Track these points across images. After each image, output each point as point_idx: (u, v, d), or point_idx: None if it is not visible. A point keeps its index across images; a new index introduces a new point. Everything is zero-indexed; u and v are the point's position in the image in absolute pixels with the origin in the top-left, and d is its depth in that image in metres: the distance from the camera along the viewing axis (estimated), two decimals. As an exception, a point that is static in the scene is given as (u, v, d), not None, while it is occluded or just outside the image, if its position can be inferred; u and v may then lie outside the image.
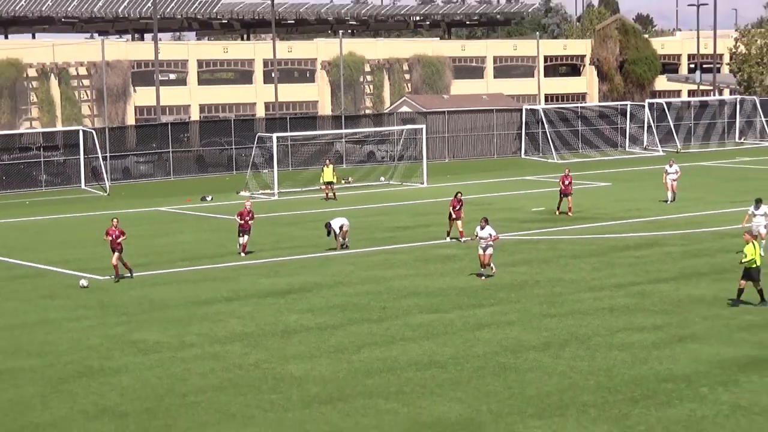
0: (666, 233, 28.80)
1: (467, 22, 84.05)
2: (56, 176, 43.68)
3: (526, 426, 9.52)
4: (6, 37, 69.27)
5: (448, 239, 26.91)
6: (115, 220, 22.01)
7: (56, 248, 29.01)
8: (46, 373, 13.34)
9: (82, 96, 62.76)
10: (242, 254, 24.49)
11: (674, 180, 32.68)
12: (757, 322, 15.87)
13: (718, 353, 13.24)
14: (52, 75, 60.88)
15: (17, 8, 65.45)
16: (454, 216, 26.02)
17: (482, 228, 20.92)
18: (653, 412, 9.97)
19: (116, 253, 21.04)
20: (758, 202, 24.15)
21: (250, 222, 25.03)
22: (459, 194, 26.48)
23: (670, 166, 33.07)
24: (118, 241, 21.11)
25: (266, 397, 11.46)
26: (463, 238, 25.72)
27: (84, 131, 43.50)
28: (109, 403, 11.37)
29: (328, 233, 25.47)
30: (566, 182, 32.55)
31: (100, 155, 42.06)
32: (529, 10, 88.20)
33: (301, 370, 13.07)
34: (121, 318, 18.29)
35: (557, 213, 32.19)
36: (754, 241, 18.51)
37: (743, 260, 17.76)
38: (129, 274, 21.67)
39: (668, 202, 32.08)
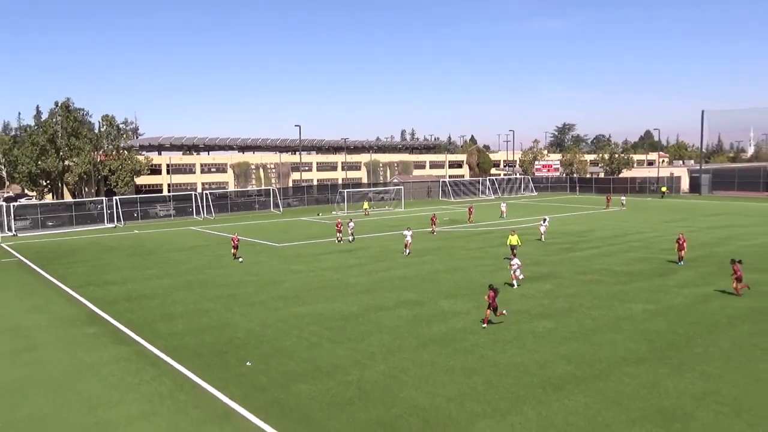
0: (498, 228, 53.03)
1: (418, 147, 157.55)
2: (262, 206, 74.24)
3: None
4: (243, 152, 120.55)
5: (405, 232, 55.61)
6: (236, 233, 39.30)
7: (269, 234, 57.93)
8: (257, 282, 30.32)
9: (271, 176, 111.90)
10: (338, 241, 43.32)
11: (544, 227, 42.42)
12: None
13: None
14: (261, 168, 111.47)
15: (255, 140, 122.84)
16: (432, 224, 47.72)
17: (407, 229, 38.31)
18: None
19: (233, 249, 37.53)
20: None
21: (341, 226, 44.20)
22: (434, 215, 49.73)
23: (544, 221, 42.93)
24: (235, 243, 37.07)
25: (340, 291, 27.83)
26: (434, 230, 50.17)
27: (272, 189, 76.62)
28: (283, 292, 28.03)
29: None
30: (471, 209, 57.68)
31: (279, 198, 74.88)
32: (441, 142, 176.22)
33: (354, 280, 29.92)
34: (285, 260, 36.70)
35: (469, 221, 54.11)
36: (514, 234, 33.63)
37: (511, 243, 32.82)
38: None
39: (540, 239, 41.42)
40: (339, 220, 45.69)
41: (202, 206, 67.42)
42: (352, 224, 44.24)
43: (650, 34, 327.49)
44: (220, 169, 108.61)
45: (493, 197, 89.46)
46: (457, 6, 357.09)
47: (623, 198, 73.50)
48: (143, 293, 27.52)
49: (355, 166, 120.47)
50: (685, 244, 31.97)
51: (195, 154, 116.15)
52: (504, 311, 20.66)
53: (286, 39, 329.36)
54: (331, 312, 23.15)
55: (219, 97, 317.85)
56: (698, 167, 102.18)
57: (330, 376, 16.24)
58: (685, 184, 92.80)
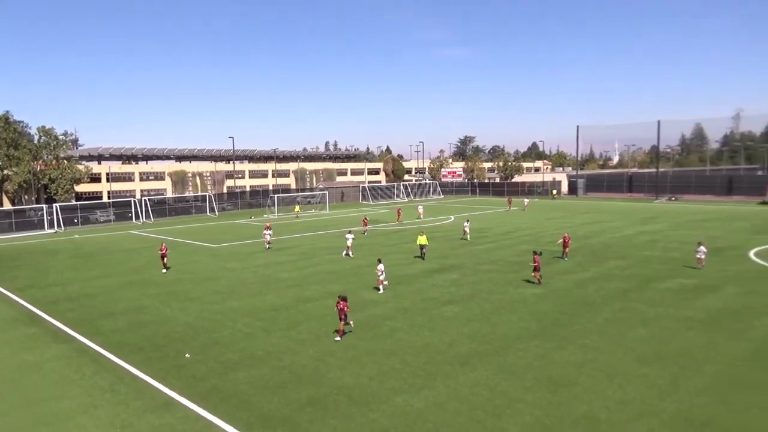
0: (414, 227, 54.37)
1: (341, 156, 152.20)
2: (199, 210, 71.28)
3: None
4: (180, 162, 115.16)
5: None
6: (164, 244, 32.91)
7: (205, 235, 54.69)
8: (194, 280, 29.08)
9: (207, 183, 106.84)
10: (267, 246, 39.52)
11: (468, 226, 41.41)
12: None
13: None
14: (197, 176, 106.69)
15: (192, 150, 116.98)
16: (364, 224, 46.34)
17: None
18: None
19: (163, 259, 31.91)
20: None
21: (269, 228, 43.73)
22: (365, 218, 48.34)
23: (467, 222, 42.22)
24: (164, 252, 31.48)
25: (271, 285, 27.26)
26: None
27: (208, 195, 73.09)
28: (219, 288, 27.11)
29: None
30: (399, 211, 58.12)
31: (214, 203, 71.10)
32: (360, 152, 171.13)
33: (284, 275, 29.01)
34: (220, 259, 35.35)
35: (397, 221, 53.61)
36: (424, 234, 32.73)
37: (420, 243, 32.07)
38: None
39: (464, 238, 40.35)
40: (268, 223, 43.53)
41: (141, 211, 64.24)
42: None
43: (536, 60, 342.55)
44: (159, 177, 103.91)
45: (406, 200, 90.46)
46: (376, 35, 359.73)
47: (526, 200, 73.54)
48: (85, 293, 25.80)
49: (284, 174, 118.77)
50: (569, 242, 32.07)
51: (134, 163, 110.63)
52: (351, 322, 18.33)
53: (221, 57, 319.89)
54: (264, 304, 22.59)
55: (157, 111, 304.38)
56: (575, 173, 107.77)
57: (264, 362, 15.83)
58: (564, 187, 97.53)
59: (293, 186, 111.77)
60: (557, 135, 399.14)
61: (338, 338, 17.49)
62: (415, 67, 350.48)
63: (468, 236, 40.50)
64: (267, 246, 38.06)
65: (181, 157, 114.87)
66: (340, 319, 17.68)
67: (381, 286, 24.46)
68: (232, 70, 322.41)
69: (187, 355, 16.50)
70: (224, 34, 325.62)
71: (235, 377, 14.71)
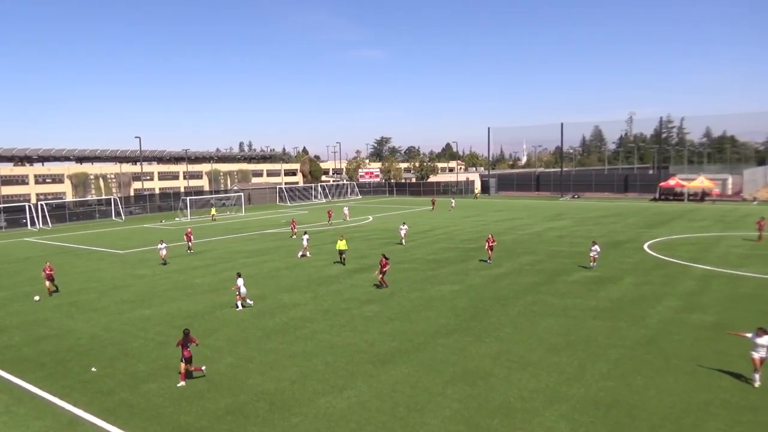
0: (336, 228, 52.61)
1: (256, 157, 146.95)
2: (103, 215, 66.94)
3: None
4: (81, 163, 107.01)
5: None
6: (48, 262, 26.55)
7: (111, 241, 50.67)
8: (99, 289, 27.28)
9: (112, 186, 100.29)
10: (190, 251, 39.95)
11: (404, 231, 38.82)
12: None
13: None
14: (100, 178, 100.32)
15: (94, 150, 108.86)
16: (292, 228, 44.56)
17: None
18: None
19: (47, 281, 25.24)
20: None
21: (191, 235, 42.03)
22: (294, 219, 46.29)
23: (403, 225, 39.44)
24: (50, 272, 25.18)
25: (185, 291, 26.23)
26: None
27: (113, 198, 68.73)
28: (128, 296, 25.66)
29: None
30: (330, 212, 56.18)
31: (120, 206, 67.93)
32: (276, 153, 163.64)
33: (199, 280, 28.05)
34: (129, 266, 33.13)
35: (328, 223, 52.02)
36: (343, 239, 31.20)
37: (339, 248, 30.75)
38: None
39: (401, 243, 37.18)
40: (189, 229, 40.77)
41: (37, 217, 59.36)
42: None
43: (449, 63, 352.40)
44: (57, 179, 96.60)
45: (324, 201, 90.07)
46: (291, 34, 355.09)
47: (453, 200, 72.81)
48: (-28, 308, 23.48)
49: (197, 175, 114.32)
50: (493, 244, 30.54)
51: (28, 165, 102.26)
52: (203, 367, 14.92)
53: (129, 50, 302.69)
54: (178, 312, 21.59)
55: (55, 109, 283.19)
56: (487, 173, 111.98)
57: (178, 371, 15.12)
58: (478, 186, 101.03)
59: (207, 188, 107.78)
60: (470, 136, 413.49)
61: (182, 383, 14.18)
62: (331, 68, 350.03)
63: (404, 241, 38.23)
64: (189, 251, 36.87)
65: (82, 158, 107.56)
66: (182, 360, 14.36)
67: (239, 303, 21.62)
68: (139, 67, 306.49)
69: (93, 369, 15.44)
70: (130, 27, 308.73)
71: (147, 389, 13.94)
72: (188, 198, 68.35)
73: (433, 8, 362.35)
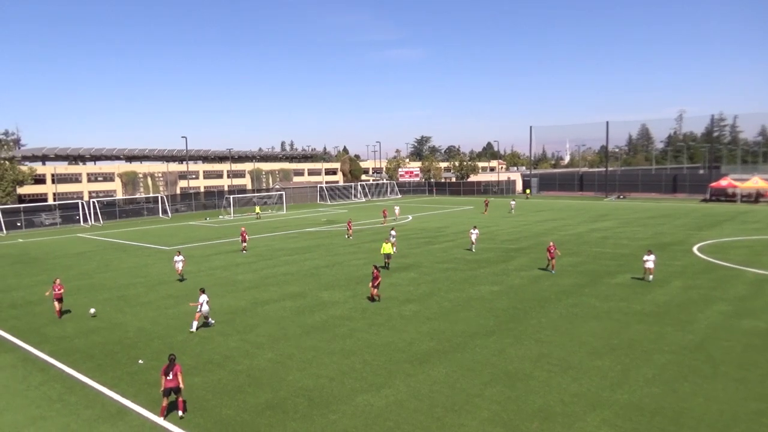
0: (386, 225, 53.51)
1: (297, 156, 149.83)
2: (151, 212, 70.24)
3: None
4: (130, 162, 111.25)
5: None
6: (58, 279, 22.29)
7: (158, 238, 54.46)
8: (146, 284, 28.26)
9: (159, 184, 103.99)
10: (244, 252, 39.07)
11: (475, 235, 35.43)
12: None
13: None
14: (148, 177, 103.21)
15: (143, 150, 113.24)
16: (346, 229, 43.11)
17: None
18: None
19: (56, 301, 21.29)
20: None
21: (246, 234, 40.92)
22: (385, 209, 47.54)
23: (474, 229, 36.26)
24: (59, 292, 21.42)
25: (228, 288, 26.61)
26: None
27: (161, 196, 71.62)
28: (173, 292, 26.40)
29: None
30: (385, 212, 57.59)
31: (167, 204, 70.75)
32: (317, 152, 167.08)
33: (241, 277, 28.59)
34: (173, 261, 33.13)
35: (383, 222, 56.10)
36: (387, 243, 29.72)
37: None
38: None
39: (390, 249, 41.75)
40: (243, 228, 39.64)
41: (90, 214, 61.89)
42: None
43: (490, 61, 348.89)
44: (108, 178, 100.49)
45: (364, 200, 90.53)
46: (331, 35, 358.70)
47: (513, 202, 66.00)
48: (29, 300, 24.62)
49: (240, 174, 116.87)
50: (555, 252, 27.79)
51: (81, 164, 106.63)
52: (181, 414, 12.41)
53: (175, 53, 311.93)
54: (220, 307, 22.12)
55: (106, 110, 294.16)
56: (529, 172, 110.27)
57: (221, 366, 15.50)
58: (519, 185, 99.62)
59: (249, 186, 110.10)
60: (511, 135, 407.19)
61: (161, 418, 12.32)
62: (370, 67, 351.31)
63: (474, 247, 34.66)
64: (243, 252, 36.00)
65: (131, 158, 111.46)
66: (163, 393, 12.46)
67: (196, 323, 19.11)
68: (186, 68, 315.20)
69: (140, 361, 16.00)
70: (178, 31, 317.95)
71: (191, 382, 14.34)
72: (231, 196, 69.94)
73: (472, 7, 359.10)
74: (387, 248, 29.29)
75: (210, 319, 19.57)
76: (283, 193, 77.10)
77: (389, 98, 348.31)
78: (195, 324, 19.12)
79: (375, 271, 22.29)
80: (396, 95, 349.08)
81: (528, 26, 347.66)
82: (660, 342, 16.62)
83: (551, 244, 28.23)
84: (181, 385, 12.50)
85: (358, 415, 12.26)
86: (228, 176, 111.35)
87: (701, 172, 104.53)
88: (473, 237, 34.92)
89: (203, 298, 19.28)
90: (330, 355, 16.10)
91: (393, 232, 36.59)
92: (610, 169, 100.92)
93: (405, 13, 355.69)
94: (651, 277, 24.86)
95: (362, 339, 17.57)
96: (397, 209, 59.81)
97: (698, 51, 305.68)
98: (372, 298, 22.37)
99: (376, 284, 22.07)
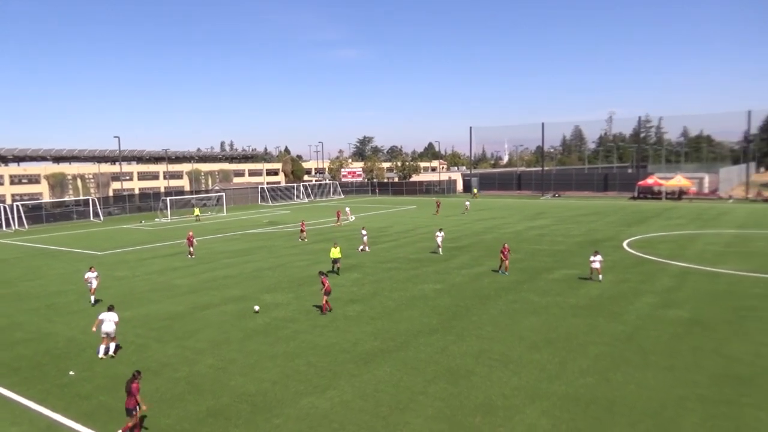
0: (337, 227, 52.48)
1: (237, 157, 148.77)
2: (81, 215, 65.60)
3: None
4: (58, 163, 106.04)
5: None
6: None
7: (89, 243, 51.61)
8: (77, 291, 26.59)
9: (90, 186, 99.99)
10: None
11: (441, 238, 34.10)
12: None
13: None
14: (78, 179, 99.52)
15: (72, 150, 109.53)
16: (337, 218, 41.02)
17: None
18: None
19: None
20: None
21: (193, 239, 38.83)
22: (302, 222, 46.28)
23: (439, 231, 34.79)
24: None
25: (165, 293, 25.64)
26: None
27: (92, 199, 67.43)
28: (106, 298, 25.15)
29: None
30: (339, 213, 56.09)
31: (99, 207, 66.23)
32: (258, 152, 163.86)
33: (179, 281, 27.73)
34: (108, 267, 32.00)
35: (338, 224, 54.28)
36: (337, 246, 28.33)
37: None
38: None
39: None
40: (191, 232, 36.69)
41: (13, 218, 58.26)
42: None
43: (431, 62, 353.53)
44: (33, 180, 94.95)
45: (306, 201, 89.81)
46: (271, 34, 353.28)
47: (467, 202, 66.13)
48: (-55, 312, 22.90)
49: (177, 175, 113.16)
50: (508, 254, 27.37)
51: (3, 165, 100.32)
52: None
53: (106, 50, 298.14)
54: (157, 313, 21.33)
55: (30, 108, 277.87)
56: (469, 172, 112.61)
57: (159, 374, 14.94)
58: (460, 185, 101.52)
59: (187, 188, 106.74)
60: (452, 135, 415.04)
61: None
62: (313, 67, 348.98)
63: (441, 249, 33.56)
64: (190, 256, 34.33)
65: (58, 158, 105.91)
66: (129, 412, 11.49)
67: (103, 347, 16.42)
68: (118, 65, 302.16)
69: (71, 373, 15.19)
70: (109, 26, 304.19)
71: (127, 392, 13.76)
72: (168, 198, 67.60)
73: (415, 8, 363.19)
74: (336, 252, 28.31)
75: (112, 347, 16.49)
76: (223, 194, 75.28)
77: (332, 98, 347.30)
78: (102, 348, 16.48)
79: (323, 278, 20.67)
80: (339, 95, 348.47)
81: (466, 29, 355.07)
82: (594, 334, 17.35)
83: (505, 245, 27.82)
84: (137, 407, 11.44)
85: (303, 418, 12.12)
86: (165, 177, 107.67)
87: (629, 171, 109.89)
88: (439, 240, 33.71)
89: (108, 315, 16.64)
90: (273, 359, 15.85)
91: (364, 231, 36.61)
92: (546, 168, 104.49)
93: (347, 13, 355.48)
94: (601, 276, 24.76)
95: (306, 341, 17.40)
96: (348, 210, 59.53)
97: (627, 54, 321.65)
98: (323, 310, 20.61)
99: (328, 291, 20.54)
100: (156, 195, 76.25)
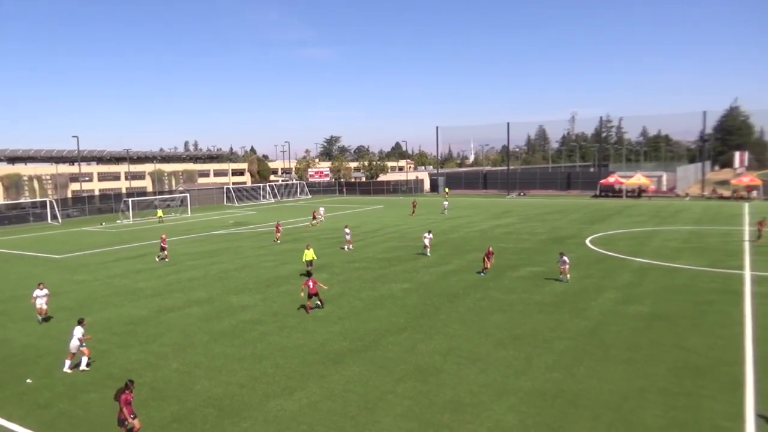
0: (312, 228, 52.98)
1: (202, 157, 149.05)
2: (38, 218, 63.55)
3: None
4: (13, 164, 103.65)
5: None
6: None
7: (48, 246, 49.26)
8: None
9: (47, 187, 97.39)
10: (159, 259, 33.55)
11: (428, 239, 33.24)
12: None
13: None
14: (35, 180, 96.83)
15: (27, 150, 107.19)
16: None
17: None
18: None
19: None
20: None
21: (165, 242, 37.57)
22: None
23: (428, 233, 34.01)
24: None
25: (128, 297, 25.08)
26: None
27: (49, 201, 65.21)
28: (66, 303, 24.54)
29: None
30: (315, 213, 55.95)
31: (57, 209, 64.39)
32: (223, 152, 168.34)
33: (142, 284, 27.17)
34: (68, 271, 31.20)
35: (312, 224, 53.28)
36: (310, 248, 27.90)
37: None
38: None
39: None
40: (163, 235, 36.07)
41: (-35, 221, 55.98)
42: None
43: (398, 63, 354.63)
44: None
45: (273, 201, 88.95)
46: (240, 32, 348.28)
47: (445, 202, 64.42)
48: None
49: (140, 176, 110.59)
50: (492, 257, 27.07)
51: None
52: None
53: (67, 46, 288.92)
54: (120, 318, 20.79)
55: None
56: (436, 171, 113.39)
57: (121, 381, 14.45)
58: (427, 185, 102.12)
59: (150, 189, 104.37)
60: (419, 135, 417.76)
61: None
62: (279, 66, 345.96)
63: (428, 251, 32.57)
64: (164, 258, 33.17)
65: (13, 159, 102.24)
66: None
67: (68, 362, 15.53)
68: (78, 64, 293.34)
69: (28, 381, 14.66)
70: (68, 22, 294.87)
71: (87, 399, 13.36)
72: (130, 199, 65.94)
73: (382, 8, 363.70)
74: (309, 254, 27.82)
75: (85, 362, 15.65)
76: (188, 195, 73.79)
77: (299, 98, 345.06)
78: (67, 363, 15.53)
79: (309, 281, 20.73)
80: (306, 95, 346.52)
81: (433, 28, 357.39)
82: (559, 330, 17.69)
83: (490, 249, 27.60)
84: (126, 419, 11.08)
85: (271, 420, 12.00)
86: (126, 178, 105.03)
87: (592, 170, 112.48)
88: (426, 241, 32.82)
89: (76, 331, 15.79)
90: (240, 361, 15.63)
91: (347, 230, 36.53)
92: (511, 167, 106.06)
93: (315, 12, 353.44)
94: (568, 276, 24.57)
95: (274, 342, 17.22)
96: (322, 209, 56.54)
97: (589, 55, 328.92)
98: (307, 310, 20.53)
99: (309, 293, 20.50)
100: (117, 196, 74.33)
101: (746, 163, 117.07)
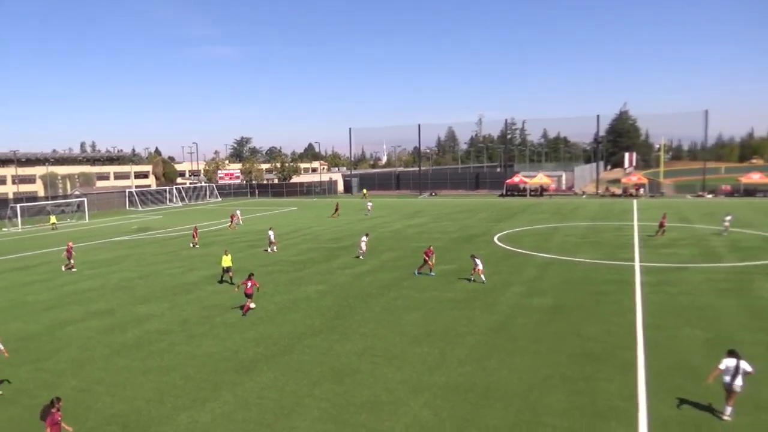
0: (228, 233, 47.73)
1: (101, 159, 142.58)
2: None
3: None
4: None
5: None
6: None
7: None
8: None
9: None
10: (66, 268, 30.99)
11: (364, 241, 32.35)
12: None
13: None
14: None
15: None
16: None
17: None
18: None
19: None
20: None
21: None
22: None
23: (365, 236, 32.93)
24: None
25: (16, 311, 23.00)
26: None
27: None
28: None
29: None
30: (233, 216, 52.56)
31: None
32: (125, 154, 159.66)
33: (32, 297, 25.05)
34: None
35: (231, 228, 49.17)
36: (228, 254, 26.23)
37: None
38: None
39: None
40: (70, 243, 32.79)
41: None
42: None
43: (309, 63, 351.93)
44: None
45: (181, 204, 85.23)
46: (140, 28, 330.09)
47: (369, 203, 62.75)
48: None
49: (29, 179, 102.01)
50: (432, 255, 27.05)
51: None
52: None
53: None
54: (8, 334, 18.94)
55: None
56: (350, 172, 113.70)
57: (13, 403, 13.34)
58: (340, 186, 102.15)
59: (41, 193, 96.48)
60: (332, 136, 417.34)
61: None
62: (183, 65, 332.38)
63: (362, 255, 31.74)
64: (70, 267, 30.93)
65: None
66: None
67: None
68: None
69: None
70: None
71: (-29, 426, 12.15)
72: (19, 205, 60.60)
73: (291, 7, 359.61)
74: (227, 260, 26.39)
75: None
76: (85, 199, 69.06)
77: (206, 98, 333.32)
78: None
79: (244, 281, 20.82)
80: (213, 95, 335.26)
81: (344, 28, 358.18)
82: (470, 325, 18.31)
83: (430, 248, 27.58)
84: None
85: (181, 434, 11.48)
86: (14, 182, 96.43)
87: (498, 170, 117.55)
88: (363, 245, 31.98)
89: None
90: (146, 374, 14.82)
91: (271, 232, 36.76)
92: (422, 168, 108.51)
93: (219, 9, 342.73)
94: (483, 277, 24.44)
95: (183, 352, 16.49)
96: (238, 212, 54.27)
97: (494, 58, 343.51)
98: (244, 311, 20.46)
99: (248, 293, 20.63)
100: (3, 202, 68.04)
101: (635, 163, 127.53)
